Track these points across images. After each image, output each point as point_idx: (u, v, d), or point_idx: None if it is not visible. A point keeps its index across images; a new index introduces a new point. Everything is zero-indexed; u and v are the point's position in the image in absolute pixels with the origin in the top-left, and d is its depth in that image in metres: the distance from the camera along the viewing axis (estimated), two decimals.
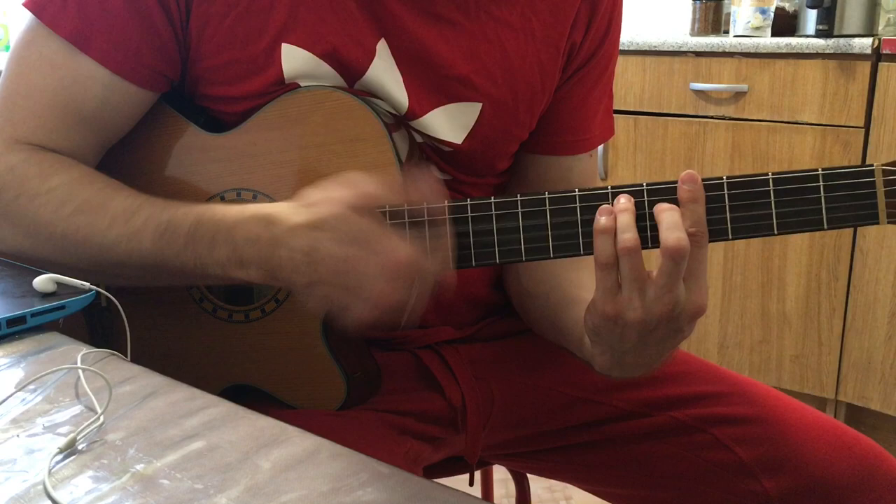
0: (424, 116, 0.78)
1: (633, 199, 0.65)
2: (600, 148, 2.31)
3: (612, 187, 0.67)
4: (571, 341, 0.78)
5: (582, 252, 0.68)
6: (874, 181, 0.63)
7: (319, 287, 0.66)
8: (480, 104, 0.80)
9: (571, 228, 0.68)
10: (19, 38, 0.76)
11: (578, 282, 0.82)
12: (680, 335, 0.67)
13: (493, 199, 0.69)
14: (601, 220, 0.64)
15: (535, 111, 0.84)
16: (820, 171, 0.64)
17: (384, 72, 0.76)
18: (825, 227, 0.64)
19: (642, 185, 0.66)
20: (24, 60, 0.76)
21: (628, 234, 0.63)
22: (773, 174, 0.64)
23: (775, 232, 0.65)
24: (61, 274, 0.73)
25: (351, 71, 0.76)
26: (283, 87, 0.76)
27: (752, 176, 0.65)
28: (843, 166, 0.64)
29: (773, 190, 0.64)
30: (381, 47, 0.76)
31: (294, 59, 0.75)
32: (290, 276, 0.67)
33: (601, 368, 0.72)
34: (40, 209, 0.73)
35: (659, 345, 0.67)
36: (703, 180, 0.65)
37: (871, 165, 0.63)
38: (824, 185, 0.64)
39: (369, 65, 0.76)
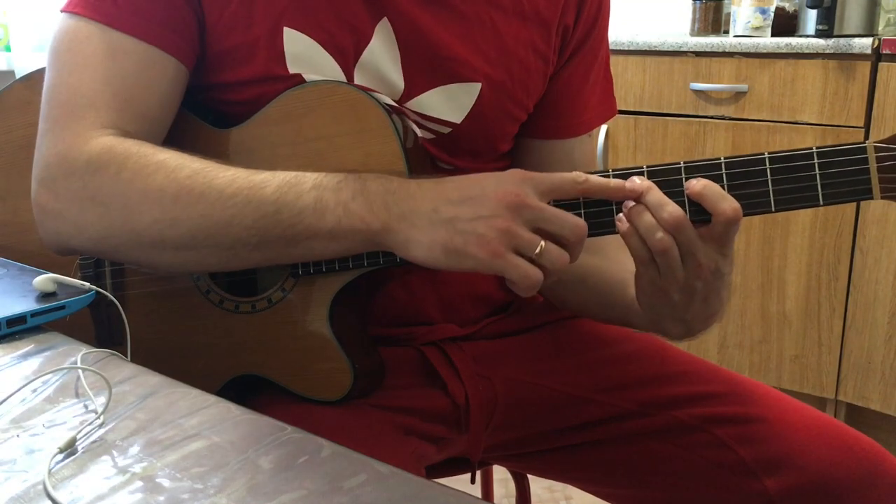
0: (421, 97, 0.81)
1: (651, 189, 0.67)
2: (600, 147, 2.32)
3: (614, 170, 0.69)
4: (629, 318, 0.81)
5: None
6: (867, 157, 0.66)
7: (439, 234, 0.66)
8: (479, 84, 0.82)
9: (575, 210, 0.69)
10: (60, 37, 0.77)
11: (607, 261, 0.84)
12: (721, 277, 0.70)
13: None
14: (622, 226, 0.67)
15: (530, 91, 0.87)
16: (815, 150, 0.66)
17: (381, 54, 0.79)
18: (821, 202, 0.66)
19: (642, 168, 0.69)
20: (76, 54, 0.76)
21: (658, 234, 0.66)
22: (769, 153, 0.67)
23: (773, 209, 0.67)
24: (142, 257, 0.73)
25: (346, 55, 0.78)
26: (284, 71, 0.77)
27: (750, 156, 0.67)
28: (837, 144, 0.66)
29: (770, 168, 0.67)
30: (383, 27, 0.79)
31: (295, 43, 0.77)
32: (411, 230, 0.67)
33: (677, 337, 0.76)
34: (151, 177, 0.71)
35: (715, 290, 0.70)
36: (703, 161, 0.67)
37: (864, 143, 0.66)
38: (819, 163, 0.66)
39: (365, 48, 0.78)
